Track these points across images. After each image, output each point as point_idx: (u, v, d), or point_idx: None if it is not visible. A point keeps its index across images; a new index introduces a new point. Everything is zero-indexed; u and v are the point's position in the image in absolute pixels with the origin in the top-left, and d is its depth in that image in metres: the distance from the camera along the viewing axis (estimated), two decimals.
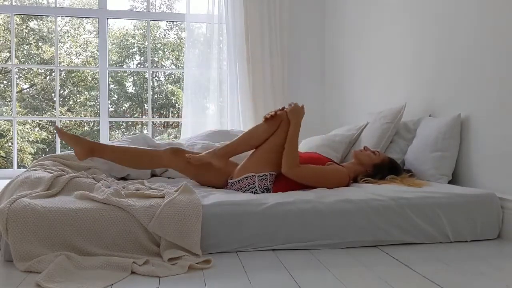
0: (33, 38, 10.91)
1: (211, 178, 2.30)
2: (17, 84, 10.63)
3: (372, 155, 2.41)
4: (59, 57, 10.92)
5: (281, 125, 2.19)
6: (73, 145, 2.15)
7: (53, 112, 10.71)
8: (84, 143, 2.15)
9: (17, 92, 10.39)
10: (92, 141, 2.20)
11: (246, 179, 2.17)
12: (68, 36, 11.36)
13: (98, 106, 8.98)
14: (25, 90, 11.00)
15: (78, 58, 11.48)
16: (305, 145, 3.23)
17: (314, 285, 1.42)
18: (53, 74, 10.85)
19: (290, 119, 2.17)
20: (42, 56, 10.84)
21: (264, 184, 2.17)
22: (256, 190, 2.16)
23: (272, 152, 2.18)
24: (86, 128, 11.11)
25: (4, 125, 10.20)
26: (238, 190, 2.19)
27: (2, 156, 10.13)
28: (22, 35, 10.75)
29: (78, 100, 11.20)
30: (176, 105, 11.33)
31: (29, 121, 10.56)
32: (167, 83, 11.83)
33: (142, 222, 1.67)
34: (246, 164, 2.22)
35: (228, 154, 2.25)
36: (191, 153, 2.30)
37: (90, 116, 11.16)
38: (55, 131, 9.51)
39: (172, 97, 11.48)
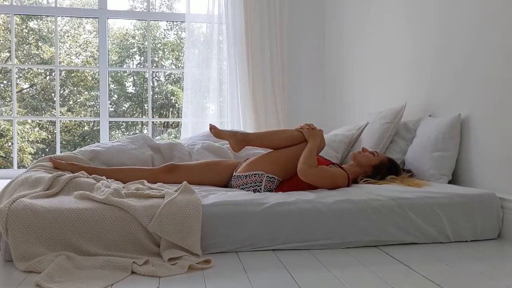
0: (33, 38, 10.91)
1: (213, 178, 2.30)
2: (17, 84, 10.63)
3: (371, 156, 2.40)
4: (59, 57, 10.92)
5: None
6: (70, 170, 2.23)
7: (53, 112, 10.71)
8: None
9: (17, 92, 10.39)
10: (86, 167, 2.25)
11: (254, 176, 2.17)
12: (68, 36, 11.36)
13: (98, 106, 8.98)
14: (25, 90, 11.00)
15: (78, 58, 11.48)
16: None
17: (314, 285, 1.42)
18: (53, 74, 10.85)
19: (307, 139, 2.24)
20: (42, 56, 10.84)
21: (270, 186, 2.18)
22: (260, 189, 2.16)
23: (290, 160, 2.20)
24: (86, 128, 11.11)
25: (4, 125, 10.20)
26: (239, 186, 2.19)
27: (2, 156, 10.13)
28: (22, 35, 10.75)
29: (78, 100, 11.20)
30: (176, 105, 11.33)
31: (29, 121, 10.56)
32: (167, 83, 11.83)
33: (142, 222, 1.67)
34: (257, 161, 2.23)
35: (247, 141, 2.30)
36: (187, 167, 2.33)
37: (90, 116, 11.16)
38: (54, 131, 9.52)
39: (172, 97, 11.48)
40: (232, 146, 2.31)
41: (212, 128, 2.33)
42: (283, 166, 2.20)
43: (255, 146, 2.37)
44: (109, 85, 7.94)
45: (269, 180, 2.17)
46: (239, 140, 2.29)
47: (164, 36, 12.04)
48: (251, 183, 2.17)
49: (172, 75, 11.74)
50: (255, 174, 2.17)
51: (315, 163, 2.14)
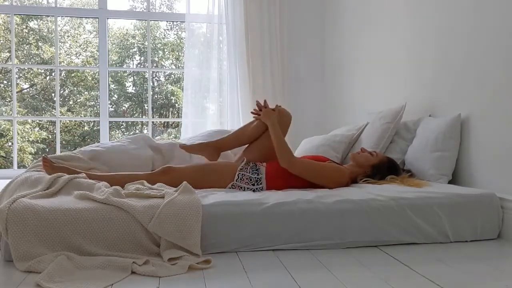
0: (33, 38, 10.91)
1: (209, 183, 2.21)
2: (17, 84, 10.63)
3: (370, 156, 2.40)
4: (59, 57, 10.92)
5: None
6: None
7: (53, 112, 10.71)
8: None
9: (17, 92, 10.39)
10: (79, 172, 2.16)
11: (234, 187, 2.21)
12: (68, 36, 11.36)
13: (98, 106, 8.98)
14: (25, 90, 11.00)
15: (78, 58, 11.48)
16: (305, 145, 3.23)
17: (314, 285, 1.42)
18: (53, 74, 10.85)
19: (265, 122, 2.28)
20: (42, 56, 10.84)
21: (248, 178, 2.18)
22: (251, 189, 2.16)
23: (264, 150, 2.30)
24: (86, 128, 11.11)
25: (4, 125, 10.20)
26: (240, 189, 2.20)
27: (2, 156, 10.13)
28: (22, 35, 10.75)
29: (78, 100, 11.20)
30: (176, 105, 11.32)
31: (29, 121, 10.56)
32: (167, 83, 11.83)
33: (142, 222, 1.67)
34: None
35: (219, 148, 2.37)
36: (181, 170, 2.25)
37: (90, 116, 11.16)
38: (54, 131, 9.51)
39: (172, 97, 11.48)
40: (208, 157, 2.35)
41: (183, 147, 2.38)
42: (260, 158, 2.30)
43: (228, 149, 2.44)
44: (109, 85, 7.94)
45: (242, 175, 2.19)
46: (212, 149, 2.35)
47: (164, 36, 12.04)
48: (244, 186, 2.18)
49: (172, 75, 11.74)
50: (233, 184, 2.19)
51: (287, 156, 2.17)
